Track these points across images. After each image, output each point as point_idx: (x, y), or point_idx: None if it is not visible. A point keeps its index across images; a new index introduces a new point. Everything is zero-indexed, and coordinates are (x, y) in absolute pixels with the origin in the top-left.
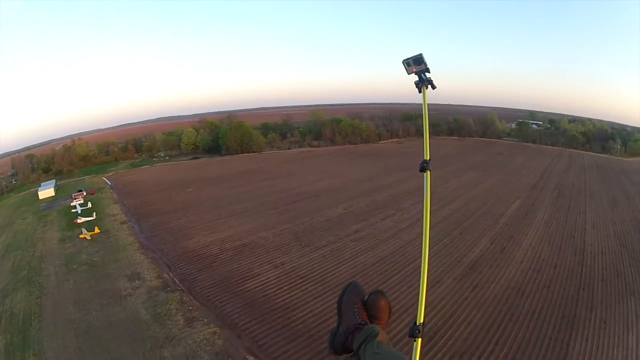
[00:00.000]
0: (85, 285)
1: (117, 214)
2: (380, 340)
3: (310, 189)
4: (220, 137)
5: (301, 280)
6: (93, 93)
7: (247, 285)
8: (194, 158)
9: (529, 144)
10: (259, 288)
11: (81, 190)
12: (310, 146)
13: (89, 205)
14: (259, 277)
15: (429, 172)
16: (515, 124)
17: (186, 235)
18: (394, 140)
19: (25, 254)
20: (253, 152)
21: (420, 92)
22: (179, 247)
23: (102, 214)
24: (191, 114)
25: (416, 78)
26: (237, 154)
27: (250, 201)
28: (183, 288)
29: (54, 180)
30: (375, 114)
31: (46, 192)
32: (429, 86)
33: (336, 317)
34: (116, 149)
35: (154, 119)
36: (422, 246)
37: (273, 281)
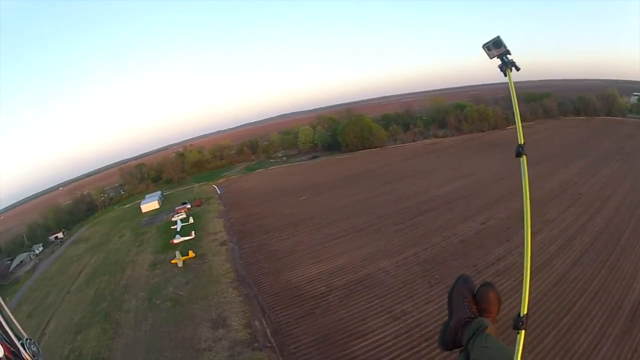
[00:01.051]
0: (163, 330)
1: (219, 232)
2: (488, 334)
3: (438, 194)
4: (338, 134)
5: (426, 343)
6: (211, 96)
7: (354, 348)
8: (313, 157)
9: None
10: (370, 353)
11: (185, 203)
12: (436, 137)
13: (191, 220)
14: (371, 334)
15: (524, 156)
16: (638, 99)
17: (289, 264)
18: (523, 124)
19: (111, 281)
20: (375, 147)
21: (505, 75)
22: (279, 281)
23: (203, 231)
24: (310, 109)
25: (499, 62)
26: (358, 150)
27: (369, 213)
28: (274, 344)
29: (159, 192)
30: (497, 96)
31: (149, 205)
32: (513, 68)
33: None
34: (231, 153)
35: (273, 117)
36: (524, 234)
37: (389, 342)
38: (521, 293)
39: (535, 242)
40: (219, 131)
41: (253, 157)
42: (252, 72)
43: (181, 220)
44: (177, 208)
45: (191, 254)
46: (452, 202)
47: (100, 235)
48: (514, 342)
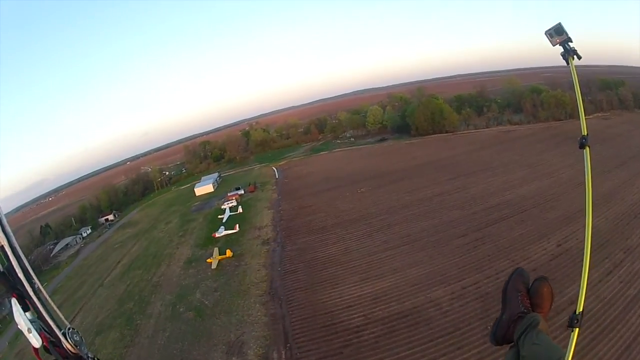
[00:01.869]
0: (176, 347)
1: (265, 227)
2: (540, 330)
3: (511, 198)
4: (408, 116)
5: None
6: (286, 71)
7: None
8: (381, 140)
9: None
10: None
11: (239, 189)
12: (511, 123)
13: (240, 210)
14: None
15: (588, 148)
16: None
17: (330, 279)
18: (599, 114)
19: (144, 277)
20: (446, 132)
21: (567, 64)
22: (313, 301)
23: (249, 224)
24: (385, 85)
25: (561, 49)
26: (428, 134)
27: (431, 217)
28: None
29: (216, 174)
30: (570, 81)
31: (203, 188)
32: (575, 56)
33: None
34: (298, 131)
35: (348, 94)
36: (584, 230)
37: None
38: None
39: (614, 279)
40: (291, 107)
41: (320, 137)
42: (327, 48)
43: (230, 208)
44: (229, 194)
45: (229, 253)
46: (526, 211)
47: (149, 219)
48: (566, 342)
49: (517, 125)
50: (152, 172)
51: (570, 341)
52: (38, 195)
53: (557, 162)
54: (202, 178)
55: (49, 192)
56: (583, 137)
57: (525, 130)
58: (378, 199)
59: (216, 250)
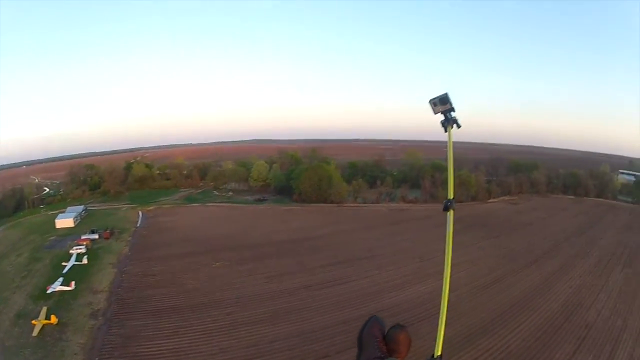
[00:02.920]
0: None
1: (101, 291)
2: None
3: (399, 302)
4: (293, 179)
5: None
6: (198, 105)
7: None
8: (260, 200)
9: None
10: None
11: (95, 232)
12: (405, 201)
13: (84, 260)
14: None
15: (452, 211)
16: (635, 181)
17: None
18: (506, 198)
19: None
20: (331, 202)
21: (445, 131)
22: None
23: (87, 283)
24: (292, 138)
25: (442, 117)
26: (312, 202)
27: (290, 320)
28: None
29: (81, 207)
30: (478, 159)
31: (64, 221)
32: (454, 125)
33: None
34: (178, 174)
35: (250, 140)
36: (442, 281)
37: None
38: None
39: None
40: (191, 144)
41: (201, 184)
42: (243, 88)
43: (77, 256)
44: (82, 237)
45: (53, 319)
46: (415, 324)
47: (6, 244)
48: None
49: (411, 204)
50: (26, 188)
51: None
52: None
53: (455, 255)
54: (68, 208)
55: None
56: (449, 200)
57: (420, 210)
58: (233, 280)
59: (44, 310)
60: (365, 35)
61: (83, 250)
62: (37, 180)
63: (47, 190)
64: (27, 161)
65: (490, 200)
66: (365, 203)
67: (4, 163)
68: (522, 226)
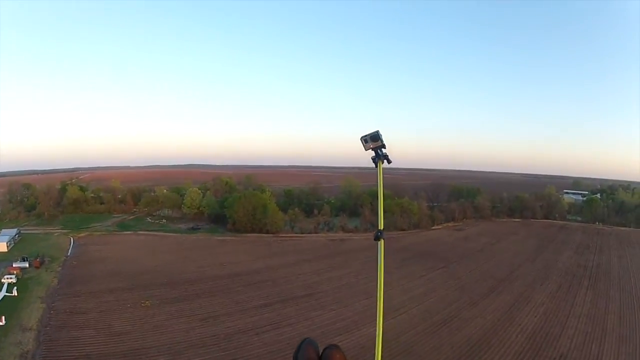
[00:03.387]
0: None
1: (30, 329)
2: None
3: (348, 347)
4: (226, 207)
5: None
6: (135, 126)
7: None
8: (193, 229)
9: (600, 226)
10: None
11: (25, 260)
12: (344, 230)
13: (14, 292)
14: None
15: (382, 240)
16: (584, 200)
17: None
18: (450, 224)
19: None
20: (267, 232)
21: (376, 166)
22: None
23: (17, 319)
24: (227, 164)
25: (373, 154)
26: (247, 231)
27: None
28: None
29: (14, 230)
30: (417, 186)
31: None
32: (385, 161)
33: None
34: (112, 199)
35: (186, 165)
36: (376, 310)
37: None
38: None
39: None
40: (127, 167)
41: (135, 209)
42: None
43: (8, 286)
44: (13, 264)
45: None
46: None
47: None
48: None
49: (351, 233)
50: None
51: None
52: None
53: (404, 289)
54: (2, 231)
55: None
56: (379, 230)
57: (361, 241)
58: (163, 322)
59: None
60: (298, 61)
61: (14, 280)
62: None
63: None
64: None
65: (434, 227)
66: (302, 233)
67: None
68: (471, 253)
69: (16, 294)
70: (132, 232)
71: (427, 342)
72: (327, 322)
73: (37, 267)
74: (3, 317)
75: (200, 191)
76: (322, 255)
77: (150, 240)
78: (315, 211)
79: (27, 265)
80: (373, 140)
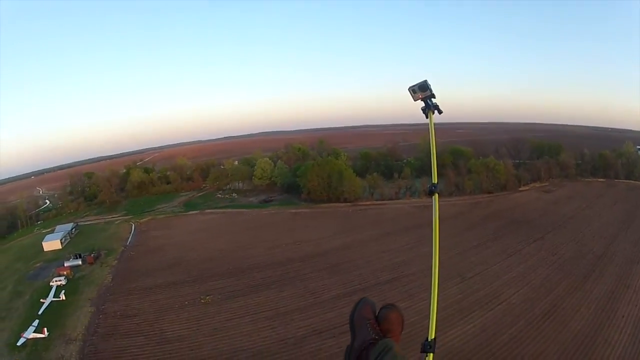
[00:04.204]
0: None
1: (75, 340)
2: (395, 354)
3: (453, 347)
4: (299, 176)
5: None
6: (204, 100)
7: None
8: (265, 202)
9: None
10: None
11: (79, 257)
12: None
13: (62, 297)
14: None
15: (437, 195)
16: None
17: None
18: (537, 185)
19: None
20: (344, 200)
21: (427, 117)
22: None
23: (61, 328)
24: (300, 129)
25: (422, 104)
26: (322, 202)
27: None
28: None
29: (69, 225)
30: (497, 141)
31: (52, 244)
32: (435, 111)
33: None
34: (179, 178)
35: (258, 133)
36: (432, 265)
37: None
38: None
39: None
40: (198, 141)
41: (204, 185)
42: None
43: (56, 289)
44: (64, 264)
45: None
46: None
47: None
48: None
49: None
50: (19, 205)
51: None
52: None
53: (502, 269)
54: (57, 227)
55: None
56: (433, 184)
57: (447, 206)
58: (223, 323)
59: None
60: (369, 18)
61: (63, 282)
62: (40, 192)
63: (48, 203)
64: (36, 171)
65: (521, 189)
66: (383, 200)
67: (13, 175)
68: (564, 221)
69: (64, 298)
70: (198, 211)
71: (530, 343)
72: (415, 316)
73: (90, 263)
74: (45, 329)
75: (271, 161)
76: (406, 227)
77: (216, 220)
78: (395, 174)
79: (79, 262)
80: (421, 90)
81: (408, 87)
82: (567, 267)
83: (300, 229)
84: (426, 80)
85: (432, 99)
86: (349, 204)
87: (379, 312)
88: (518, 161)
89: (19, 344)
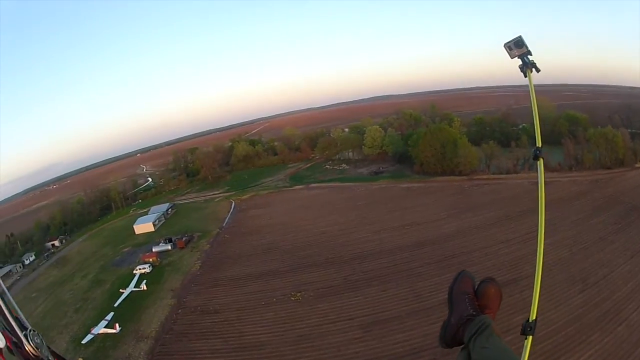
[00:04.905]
0: None
1: (148, 337)
2: (491, 333)
3: None
4: (410, 146)
5: None
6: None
7: None
8: (376, 174)
9: None
10: None
11: (169, 241)
12: (546, 168)
13: (143, 286)
14: None
15: (541, 159)
16: None
17: None
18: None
19: None
20: (459, 173)
21: (525, 76)
22: None
23: (136, 323)
24: (411, 92)
25: (519, 62)
26: (436, 174)
27: None
28: None
29: (166, 205)
30: (609, 106)
31: (144, 226)
32: (533, 69)
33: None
34: (286, 149)
35: (369, 98)
36: (537, 239)
37: None
38: (531, 298)
39: None
40: (310, 108)
41: (312, 155)
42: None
43: (139, 278)
44: (153, 249)
45: None
46: None
47: (79, 260)
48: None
49: (555, 173)
50: (111, 188)
51: (524, 348)
52: (45, 180)
53: (623, 273)
54: (152, 208)
55: (55, 178)
56: (537, 148)
57: (568, 184)
58: (312, 330)
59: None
60: None
61: (147, 270)
62: (144, 170)
63: (149, 181)
64: (142, 148)
65: (638, 165)
66: (500, 174)
67: (121, 153)
68: None
69: (145, 288)
70: (303, 185)
71: None
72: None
73: (181, 248)
74: (117, 325)
75: (381, 129)
76: (526, 210)
77: (322, 195)
78: (512, 143)
79: (169, 247)
80: (517, 47)
81: (503, 44)
82: None
83: (411, 208)
84: (521, 35)
85: (529, 56)
86: (464, 177)
87: (478, 287)
88: (632, 131)
89: (84, 341)
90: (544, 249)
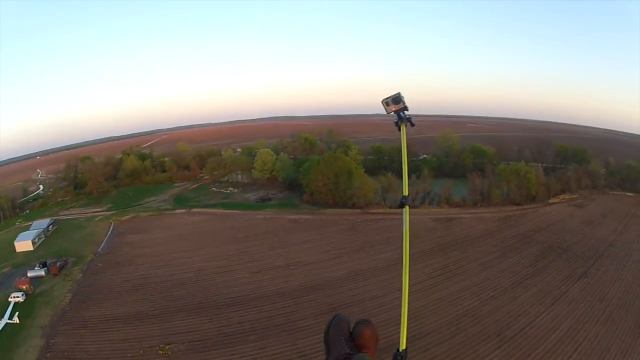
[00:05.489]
0: None
1: None
2: None
3: None
4: (302, 173)
5: None
6: (218, 84)
7: None
8: (262, 201)
9: None
10: None
11: (44, 265)
12: (449, 204)
13: (15, 319)
14: None
15: (407, 207)
16: None
17: None
18: (567, 197)
19: None
20: (352, 206)
21: (399, 130)
22: None
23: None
24: (312, 115)
25: (395, 117)
26: (327, 205)
27: None
28: None
29: (47, 221)
30: (517, 140)
31: (24, 244)
32: (408, 124)
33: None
34: (176, 166)
35: (268, 118)
36: (402, 276)
37: None
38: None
39: None
40: (209, 124)
41: (200, 174)
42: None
43: (13, 307)
44: (28, 274)
45: None
46: None
47: None
48: None
49: (459, 209)
50: (2, 196)
51: None
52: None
53: (546, 322)
54: (34, 223)
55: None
56: (404, 197)
57: (473, 221)
58: None
59: None
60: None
61: (21, 300)
62: (40, 175)
63: (40, 189)
64: (43, 151)
65: (551, 201)
66: (397, 208)
67: (20, 155)
68: (603, 250)
69: (18, 321)
70: (185, 210)
71: None
72: None
73: (54, 275)
74: None
75: (272, 153)
76: (428, 250)
77: (204, 223)
78: (413, 176)
79: (42, 273)
80: (395, 103)
81: (381, 100)
82: (616, 319)
83: (297, 245)
84: (399, 92)
85: (405, 112)
86: (358, 210)
87: (353, 328)
88: (543, 165)
89: None
90: (409, 285)
